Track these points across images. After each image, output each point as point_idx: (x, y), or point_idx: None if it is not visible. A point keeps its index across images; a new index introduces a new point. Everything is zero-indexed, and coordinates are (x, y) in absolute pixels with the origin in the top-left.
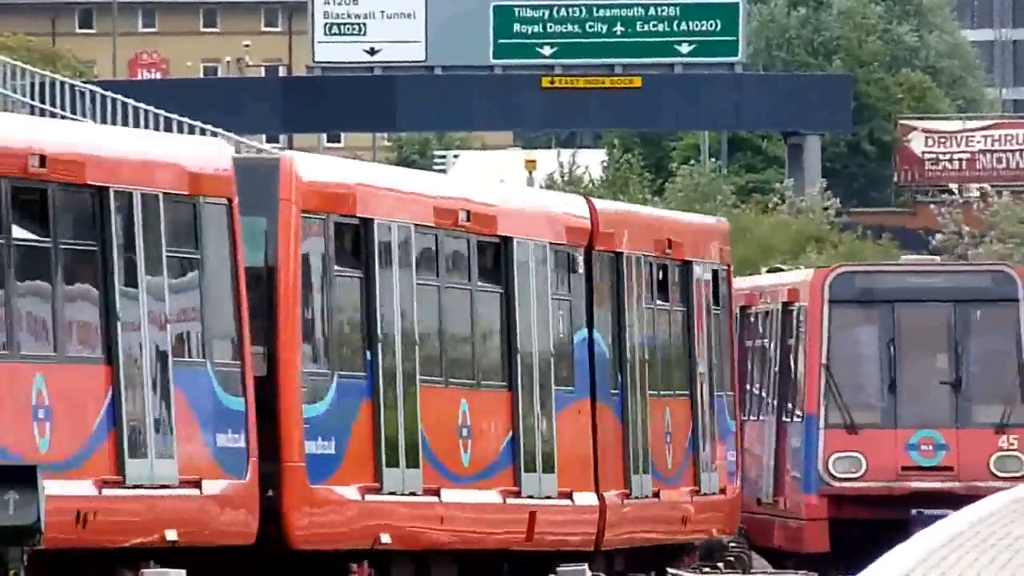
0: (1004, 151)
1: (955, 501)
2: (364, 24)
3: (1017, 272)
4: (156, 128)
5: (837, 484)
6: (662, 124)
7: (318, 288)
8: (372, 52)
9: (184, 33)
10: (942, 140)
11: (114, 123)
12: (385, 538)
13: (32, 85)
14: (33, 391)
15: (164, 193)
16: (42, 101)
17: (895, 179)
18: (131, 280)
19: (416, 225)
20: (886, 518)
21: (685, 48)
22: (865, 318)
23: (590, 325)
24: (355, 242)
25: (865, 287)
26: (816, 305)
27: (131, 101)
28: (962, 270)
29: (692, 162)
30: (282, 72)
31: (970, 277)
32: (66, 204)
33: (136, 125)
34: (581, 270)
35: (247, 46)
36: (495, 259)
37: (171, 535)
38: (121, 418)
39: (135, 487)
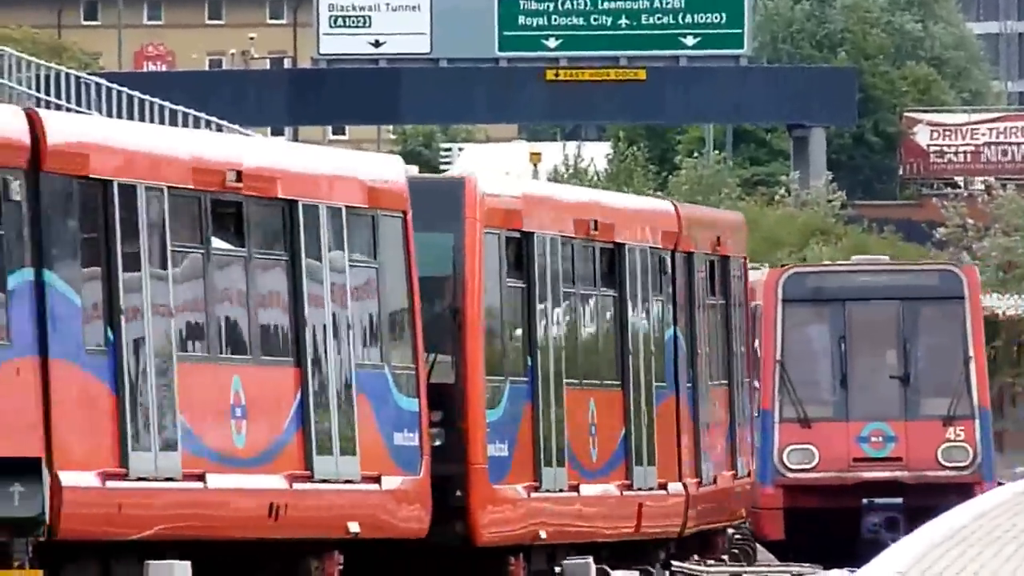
0: (1009, 144)
1: (904, 491)
2: (369, 16)
3: (963, 271)
4: (161, 120)
5: (791, 475)
6: (667, 117)
7: (494, 299)
8: (377, 44)
9: (190, 25)
10: (947, 133)
11: (119, 116)
12: (543, 533)
13: (38, 77)
14: (231, 391)
15: (347, 206)
16: (47, 93)
17: (900, 172)
18: (317, 288)
19: (562, 237)
20: (838, 507)
21: (690, 41)
22: (817, 316)
23: (675, 323)
24: (518, 254)
25: (817, 286)
26: (770, 304)
27: (137, 93)
28: (910, 269)
29: (696, 155)
30: (287, 64)
31: (918, 276)
32: (260, 216)
33: (142, 118)
34: (670, 271)
35: (252, 38)
36: (610, 264)
37: (354, 527)
38: (309, 417)
39: (322, 481)
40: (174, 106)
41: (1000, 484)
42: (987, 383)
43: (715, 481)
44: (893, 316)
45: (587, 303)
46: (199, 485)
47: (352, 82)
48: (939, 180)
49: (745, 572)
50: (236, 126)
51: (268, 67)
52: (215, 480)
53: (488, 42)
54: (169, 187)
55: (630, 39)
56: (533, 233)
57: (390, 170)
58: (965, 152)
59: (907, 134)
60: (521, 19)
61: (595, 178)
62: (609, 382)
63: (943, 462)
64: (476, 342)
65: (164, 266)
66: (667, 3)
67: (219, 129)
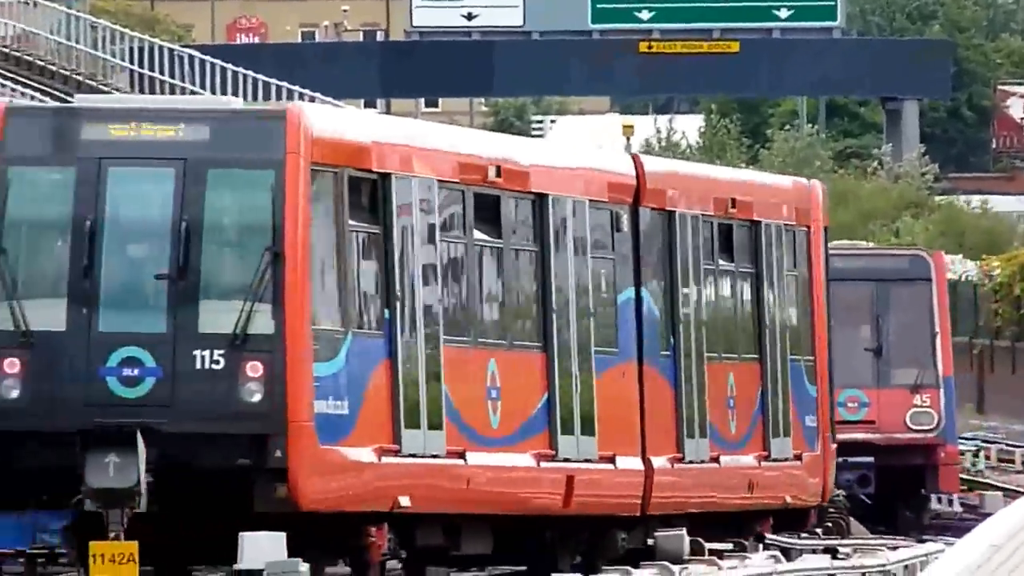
0: None
1: (876, 451)
2: None
3: (931, 256)
4: (254, 93)
5: None
6: (760, 89)
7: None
8: (470, 17)
9: None
10: None
11: (212, 88)
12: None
13: (131, 50)
14: (727, 386)
15: (784, 224)
16: (141, 65)
17: (993, 144)
18: (771, 294)
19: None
20: None
21: (783, 13)
22: None
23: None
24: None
25: None
26: None
27: (229, 65)
28: (883, 254)
29: (789, 128)
30: (380, 37)
31: (890, 260)
32: (740, 235)
33: (235, 90)
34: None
35: (345, 11)
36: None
37: (787, 498)
38: (767, 404)
39: (774, 460)
40: (266, 78)
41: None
42: (951, 355)
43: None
44: (868, 295)
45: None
46: (716, 466)
47: (445, 54)
48: None
49: (839, 546)
50: (329, 98)
51: (361, 40)
52: (725, 460)
53: (581, 14)
54: (703, 215)
55: (723, 11)
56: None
57: (807, 191)
58: None
59: (1000, 107)
60: None
61: (687, 151)
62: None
63: (911, 426)
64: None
65: (702, 285)
66: None
67: (311, 100)
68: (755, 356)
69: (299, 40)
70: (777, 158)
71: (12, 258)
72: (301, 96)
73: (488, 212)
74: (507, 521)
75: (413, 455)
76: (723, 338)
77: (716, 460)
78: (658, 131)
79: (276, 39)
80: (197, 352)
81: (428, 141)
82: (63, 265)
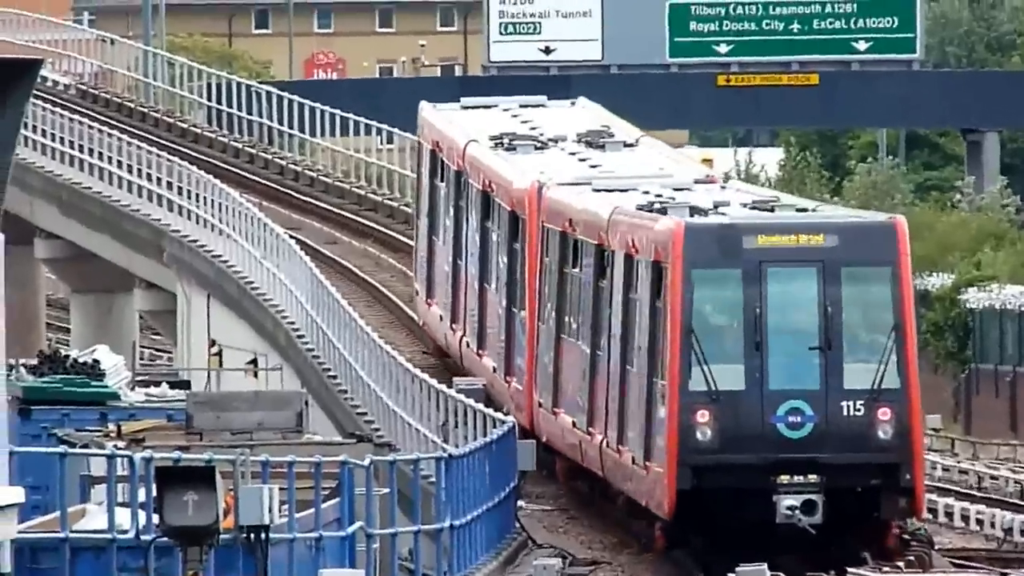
0: None
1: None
2: (539, 23)
3: None
4: (332, 128)
5: None
6: (839, 121)
7: None
8: (548, 51)
9: (360, 33)
10: None
11: (290, 124)
12: None
13: (209, 86)
14: None
15: None
16: (219, 102)
17: None
18: None
19: None
20: None
21: (862, 45)
22: None
23: None
24: None
25: None
26: None
27: (307, 101)
28: None
29: (870, 160)
30: (458, 71)
31: None
32: None
33: (312, 125)
34: None
35: (423, 46)
36: None
37: None
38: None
39: None
40: (344, 114)
41: None
42: None
43: None
44: None
45: None
46: None
47: (522, 88)
48: None
49: None
50: (407, 134)
51: (439, 75)
52: None
53: (659, 48)
54: None
55: (802, 44)
56: None
57: None
58: None
59: None
60: (692, 25)
61: (767, 184)
62: None
63: None
64: None
65: None
66: (839, 8)
67: (390, 137)
68: None
69: (377, 75)
70: (858, 190)
71: (700, 335)
72: (379, 132)
73: None
74: None
75: None
76: None
77: None
78: (737, 164)
79: (354, 75)
80: (844, 403)
81: None
82: (739, 340)
